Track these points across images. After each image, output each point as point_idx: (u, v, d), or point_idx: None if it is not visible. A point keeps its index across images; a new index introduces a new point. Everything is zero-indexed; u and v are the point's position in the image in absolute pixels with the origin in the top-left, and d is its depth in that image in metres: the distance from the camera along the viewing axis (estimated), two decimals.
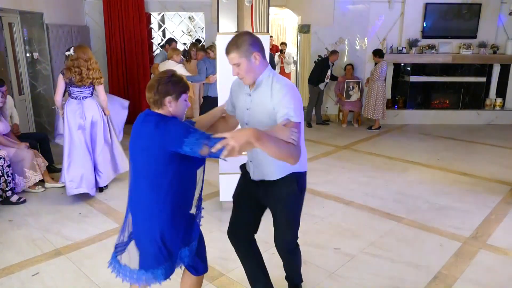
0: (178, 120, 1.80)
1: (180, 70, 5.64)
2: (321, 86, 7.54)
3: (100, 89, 4.16)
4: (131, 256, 1.88)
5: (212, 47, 5.86)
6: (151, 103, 1.82)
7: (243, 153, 1.76)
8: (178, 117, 1.84)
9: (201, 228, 2.06)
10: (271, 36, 7.86)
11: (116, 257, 1.93)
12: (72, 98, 4.10)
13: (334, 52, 7.51)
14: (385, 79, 7.39)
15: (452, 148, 6.33)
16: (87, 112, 4.10)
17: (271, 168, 2.10)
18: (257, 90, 2.03)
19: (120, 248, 1.91)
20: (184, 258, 1.94)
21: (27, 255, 3.13)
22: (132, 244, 1.88)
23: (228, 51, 1.95)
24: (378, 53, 7.24)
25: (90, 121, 4.12)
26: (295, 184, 2.13)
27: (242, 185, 2.34)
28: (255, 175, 2.19)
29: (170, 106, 1.79)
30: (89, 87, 4.09)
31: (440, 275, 2.89)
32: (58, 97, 4.14)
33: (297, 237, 2.35)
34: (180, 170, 1.77)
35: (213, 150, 1.65)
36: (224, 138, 1.66)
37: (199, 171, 1.88)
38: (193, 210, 1.94)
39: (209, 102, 5.61)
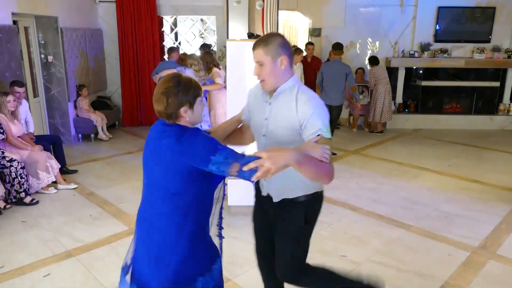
0: (202, 133, 1.60)
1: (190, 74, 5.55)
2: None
3: None
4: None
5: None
6: (164, 118, 1.62)
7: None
8: (197, 122, 1.68)
9: None
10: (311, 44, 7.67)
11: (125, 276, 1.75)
12: None
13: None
14: (388, 82, 7.32)
15: (463, 154, 6.25)
16: None
17: (293, 182, 1.90)
18: (278, 99, 1.85)
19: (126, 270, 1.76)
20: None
21: (39, 256, 3.21)
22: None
23: (255, 46, 1.81)
24: (372, 61, 7.34)
25: None
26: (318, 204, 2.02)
27: (256, 204, 2.19)
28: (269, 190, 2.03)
29: (187, 116, 1.61)
30: None
31: (447, 285, 2.87)
32: None
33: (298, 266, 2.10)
34: (202, 189, 1.61)
35: (245, 168, 1.46)
36: (259, 157, 1.47)
37: (218, 187, 1.71)
38: (213, 231, 1.81)
39: None
